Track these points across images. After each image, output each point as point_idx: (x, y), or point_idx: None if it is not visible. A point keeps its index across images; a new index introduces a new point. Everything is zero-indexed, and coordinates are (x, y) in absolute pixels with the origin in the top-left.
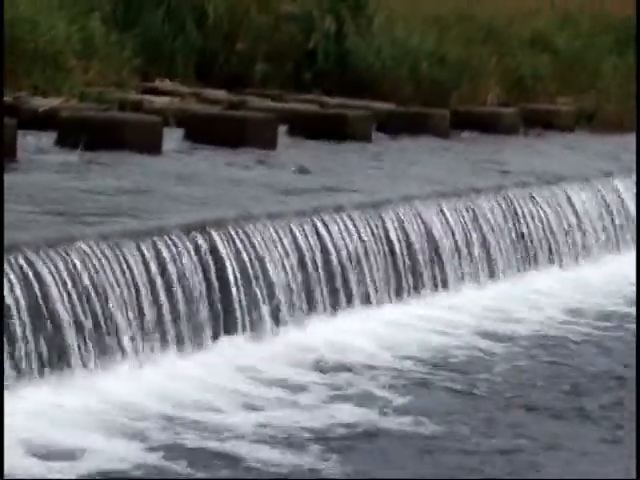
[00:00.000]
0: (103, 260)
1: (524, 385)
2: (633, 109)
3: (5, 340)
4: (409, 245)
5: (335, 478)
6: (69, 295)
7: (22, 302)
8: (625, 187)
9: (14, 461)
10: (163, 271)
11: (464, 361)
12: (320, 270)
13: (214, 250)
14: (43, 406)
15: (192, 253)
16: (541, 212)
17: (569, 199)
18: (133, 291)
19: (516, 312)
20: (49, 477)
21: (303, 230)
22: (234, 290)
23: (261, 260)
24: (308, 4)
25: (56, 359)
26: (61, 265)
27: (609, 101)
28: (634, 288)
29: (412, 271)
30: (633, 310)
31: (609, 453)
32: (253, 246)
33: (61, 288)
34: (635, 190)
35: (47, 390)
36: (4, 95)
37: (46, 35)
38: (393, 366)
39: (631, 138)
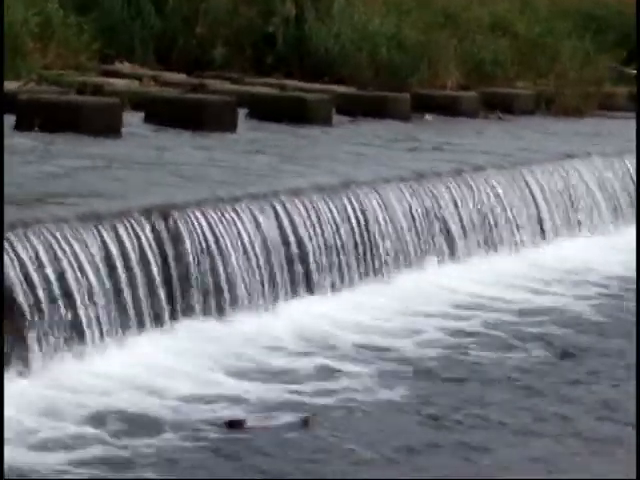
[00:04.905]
0: (63, 243)
1: None
2: (591, 94)
3: None
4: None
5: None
6: (28, 279)
7: None
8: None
9: None
10: (123, 254)
11: None
12: (281, 254)
13: (175, 233)
14: None
15: (151, 236)
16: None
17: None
18: (93, 274)
19: None
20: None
21: (263, 213)
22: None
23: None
24: None
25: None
26: (20, 248)
27: (567, 85)
28: None
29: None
30: None
31: None
32: (212, 229)
33: (19, 272)
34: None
35: None
36: None
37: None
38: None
39: (586, 123)
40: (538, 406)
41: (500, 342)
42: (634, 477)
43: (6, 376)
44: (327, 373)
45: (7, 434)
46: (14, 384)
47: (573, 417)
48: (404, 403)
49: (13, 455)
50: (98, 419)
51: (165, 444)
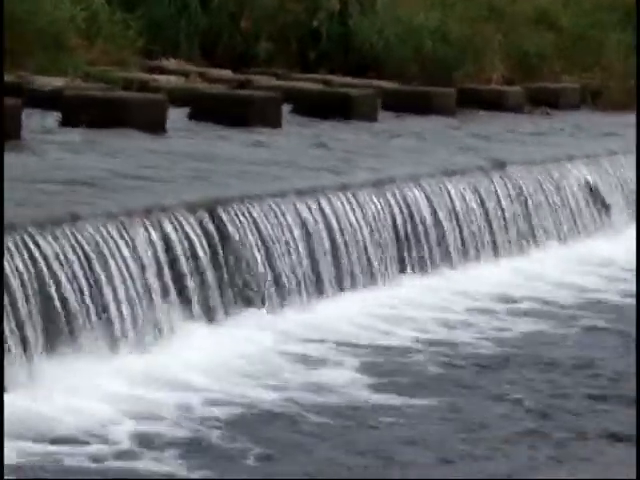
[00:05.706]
0: (109, 239)
1: None
2: (634, 87)
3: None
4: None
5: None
6: (74, 274)
7: (27, 282)
8: None
9: None
10: (168, 249)
11: None
12: (327, 249)
13: (220, 228)
14: None
15: (198, 231)
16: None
17: None
18: (139, 269)
19: None
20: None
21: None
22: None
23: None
24: None
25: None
26: (66, 244)
27: (612, 79)
28: None
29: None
30: None
31: None
32: (257, 224)
33: (66, 267)
34: None
35: None
36: (4, 75)
37: (50, 15)
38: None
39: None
40: None
41: None
42: (634, 477)
43: None
44: None
45: None
46: None
47: None
48: None
49: None
50: None
51: None
